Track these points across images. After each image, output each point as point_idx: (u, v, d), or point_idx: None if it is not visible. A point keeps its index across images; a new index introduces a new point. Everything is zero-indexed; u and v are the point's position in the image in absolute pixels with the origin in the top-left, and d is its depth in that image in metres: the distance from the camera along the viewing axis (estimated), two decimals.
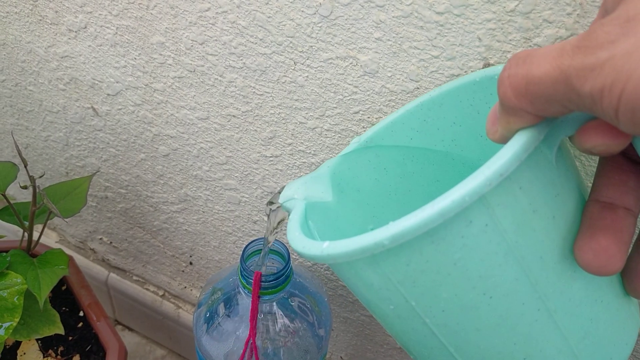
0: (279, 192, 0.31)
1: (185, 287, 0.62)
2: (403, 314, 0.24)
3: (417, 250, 0.21)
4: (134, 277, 0.66)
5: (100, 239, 0.64)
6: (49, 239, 0.68)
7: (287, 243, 0.49)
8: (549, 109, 0.19)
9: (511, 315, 0.23)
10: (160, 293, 0.65)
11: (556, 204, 0.23)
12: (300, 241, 0.25)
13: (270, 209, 0.33)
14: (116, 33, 0.43)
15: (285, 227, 0.32)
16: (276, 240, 0.38)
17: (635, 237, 0.25)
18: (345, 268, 0.24)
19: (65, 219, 0.45)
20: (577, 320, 0.24)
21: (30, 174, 0.43)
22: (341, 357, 0.57)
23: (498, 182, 0.20)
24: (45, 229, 0.58)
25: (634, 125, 0.16)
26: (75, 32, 0.45)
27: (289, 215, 0.28)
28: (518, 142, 0.21)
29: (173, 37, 0.41)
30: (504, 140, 0.22)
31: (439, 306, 0.23)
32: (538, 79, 0.19)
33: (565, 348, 0.24)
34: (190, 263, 0.59)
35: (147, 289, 0.65)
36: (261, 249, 0.41)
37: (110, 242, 0.63)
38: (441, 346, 0.24)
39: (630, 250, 0.25)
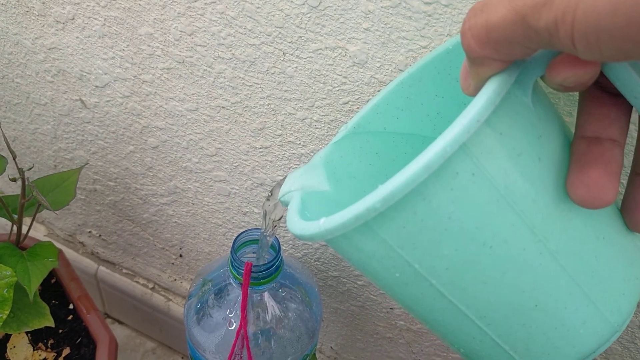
0: (276, 188, 0.31)
1: (175, 280, 0.62)
2: (409, 279, 0.24)
3: (411, 210, 0.22)
4: (124, 270, 0.66)
5: (89, 232, 0.64)
6: (38, 232, 0.68)
7: (277, 234, 0.49)
8: (513, 52, 0.20)
9: (514, 263, 0.23)
10: (150, 286, 0.65)
11: (540, 145, 0.23)
12: (299, 224, 0.25)
13: (269, 204, 0.33)
14: (104, 24, 0.43)
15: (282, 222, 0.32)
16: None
17: (629, 172, 0.25)
18: (345, 243, 0.25)
19: (55, 212, 0.45)
20: (581, 259, 0.24)
21: (19, 167, 0.43)
22: (331, 347, 0.58)
23: (476, 128, 0.20)
24: (34, 223, 0.58)
25: (590, 51, 0.17)
26: (63, 23, 0.45)
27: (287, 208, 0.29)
28: (490, 87, 0.21)
29: (161, 28, 0.41)
30: (478, 91, 0.22)
31: (442, 264, 0.23)
32: (497, 25, 0.19)
33: (575, 289, 0.24)
34: (180, 255, 0.59)
35: (137, 282, 0.65)
36: (251, 240, 0.41)
37: (100, 235, 0.63)
38: (452, 307, 0.24)
39: (626, 186, 0.25)
